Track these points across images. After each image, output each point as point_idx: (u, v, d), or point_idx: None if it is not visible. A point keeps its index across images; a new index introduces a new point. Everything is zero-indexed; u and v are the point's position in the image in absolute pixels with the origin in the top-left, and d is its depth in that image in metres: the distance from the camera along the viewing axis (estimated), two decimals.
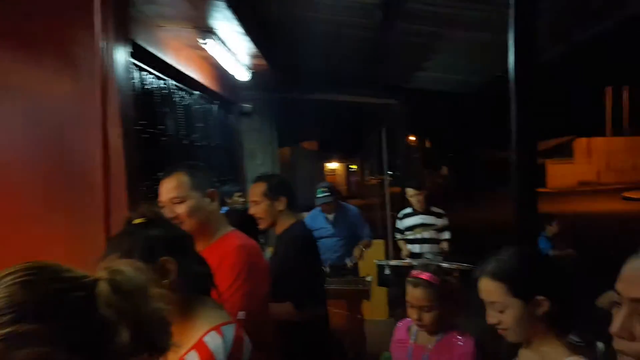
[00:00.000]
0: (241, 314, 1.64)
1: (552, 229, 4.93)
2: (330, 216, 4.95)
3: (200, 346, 1.20)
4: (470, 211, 18.76)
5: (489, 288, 1.46)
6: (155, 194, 3.65)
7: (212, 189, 1.87)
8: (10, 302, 0.66)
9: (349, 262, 4.82)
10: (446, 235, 4.97)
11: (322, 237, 4.90)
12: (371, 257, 4.98)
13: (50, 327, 0.66)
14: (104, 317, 0.70)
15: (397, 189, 9.40)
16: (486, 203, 23.15)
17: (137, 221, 1.29)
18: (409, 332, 2.18)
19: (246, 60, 5.05)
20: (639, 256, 0.91)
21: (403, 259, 4.83)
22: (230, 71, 5.10)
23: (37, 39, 2.87)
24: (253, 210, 2.59)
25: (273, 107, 7.16)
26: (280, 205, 2.56)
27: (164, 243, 1.25)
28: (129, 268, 0.78)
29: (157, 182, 3.73)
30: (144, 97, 3.63)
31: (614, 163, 34.44)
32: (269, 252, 3.28)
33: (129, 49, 3.13)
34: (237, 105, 6.70)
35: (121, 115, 2.85)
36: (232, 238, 1.85)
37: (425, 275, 2.06)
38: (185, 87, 4.61)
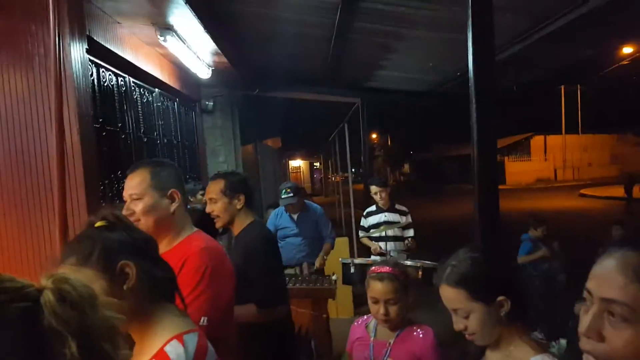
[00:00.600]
0: (204, 320, 1.58)
1: (536, 232, 4.92)
2: (295, 215, 4.96)
3: (160, 356, 1.15)
4: (431, 207, 19.17)
5: (450, 295, 1.42)
6: (114, 193, 3.62)
7: (174, 189, 1.78)
8: None
9: (306, 268, 4.79)
10: (410, 232, 5.01)
11: (287, 237, 4.92)
12: (336, 256, 4.99)
13: None
14: (50, 328, 0.66)
15: (360, 187, 9.51)
16: (446, 199, 23.72)
17: (98, 224, 1.25)
18: (367, 329, 2.19)
19: (207, 57, 5.00)
20: (611, 254, 0.88)
21: (368, 257, 4.87)
22: (191, 68, 5.04)
23: None
24: (210, 208, 2.50)
25: (235, 104, 7.11)
26: (239, 203, 2.49)
27: (123, 247, 1.21)
28: (75, 276, 0.74)
29: (116, 180, 3.71)
30: (102, 94, 3.55)
31: (570, 160, 35.58)
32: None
33: (85, 46, 3.06)
34: (198, 102, 6.63)
35: (78, 113, 2.79)
36: (196, 240, 1.78)
37: (387, 269, 2.10)
38: (144, 85, 4.53)
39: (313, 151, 34.02)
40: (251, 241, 2.46)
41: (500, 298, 1.38)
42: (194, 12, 3.50)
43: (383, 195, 4.97)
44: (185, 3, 3.29)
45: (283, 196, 4.82)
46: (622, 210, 15.07)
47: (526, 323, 1.44)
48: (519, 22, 4.06)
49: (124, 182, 3.77)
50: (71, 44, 2.82)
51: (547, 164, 36.09)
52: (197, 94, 6.45)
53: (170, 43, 3.99)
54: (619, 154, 36.58)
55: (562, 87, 35.06)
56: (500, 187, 2.31)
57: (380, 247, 4.86)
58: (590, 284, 0.88)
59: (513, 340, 1.39)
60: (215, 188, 2.49)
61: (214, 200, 2.48)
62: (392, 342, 2.08)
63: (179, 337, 1.19)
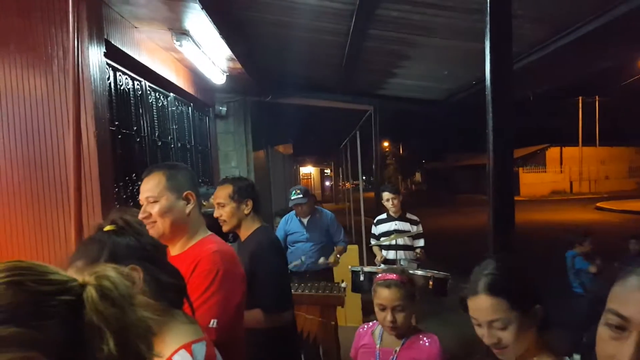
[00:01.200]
0: (213, 322, 1.59)
1: (583, 248, 4.76)
2: (305, 220, 4.96)
3: None
4: (443, 217, 19.05)
5: (488, 305, 1.35)
6: (128, 195, 3.65)
7: (189, 191, 1.80)
8: None
9: (322, 260, 4.79)
10: (421, 242, 4.98)
11: (297, 242, 4.91)
12: (346, 263, 4.97)
13: (35, 332, 0.63)
14: (91, 324, 0.67)
15: (371, 195, 9.49)
16: (459, 209, 23.56)
17: (107, 228, 1.25)
18: (373, 336, 2.19)
19: (222, 63, 5.04)
20: (635, 272, 0.80)
21: (377, 265, 4.84)
22: (206, 74, 5.08)
23: (10, 37, 2.82)
24: (218, 212, 2.52)
25: (248, 110, 7.15)
26: (247, 209, 2.51)
27: (131, 252, 1.20)
28: (115, 274, 0.75)
29: (131, 182, 3.73)
30: (118, 97, 3.59)
31: (587, 173, 35.17)
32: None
33: (103, 49, 3.10)
34: (212, 107, 6.68)
35: (95, 115, 2.83)
36: (209, 243, 1.79)
37: (394, 276, 2.11)
38: (160, 89, 4.57)
39: (324, 158, 34.04)
40: (258, 246, 2.46)
41: (537, 307, 1.35)
42: (210, 17, 3.54)
43: (395, 202, 4.95)
44: (202, 9, 3.32)
45: (292, 197, 4.84)
46: (639, 224, 14.83)
47: (547, 333, 1.40)
48: (538, 31, 4.03)
49: (138, 185, 3.81)
50: (89, 47, 2.86)
51: (563, 176, 35.66)
52: (211, 99, 6.50)
53: (186, 48, 4.02)
54: (638, 167, 36.08)
55: (580, 98, 34.74)
56: (514, 198, 2.28)
57: (386, 257, 4.86)
58: (623, 309, 0.79)
59: (537, 352, 1.35)
60: (223, 193, 2.51)
61: (222, 204, 2.50)
62: (398, 350, 2.08)
63: (187, 347, 1.18)
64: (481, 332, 1.38)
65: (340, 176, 26.39)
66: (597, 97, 35.22)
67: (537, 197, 30.87)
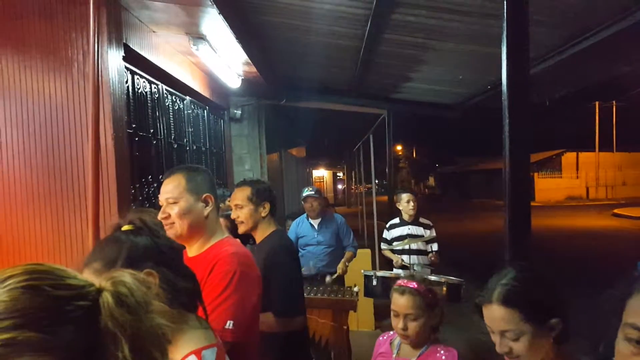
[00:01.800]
0: (229, 324, 1.60)
1: None
2: (316, 222, 4.97)
3: None
4: (457, 222, 18.92)
5: (500, 315, 1.34)
6: (144, 197, 3.70)
7: (208, 193, 1.82)
8: (12, 307, 0.63)
9: (328, 279, 4.75)
10: (434, 247, 4.96)
11: (307, 245, 4.91)
12: (358, 267, 4.96)
13: (50, 337, 0.63)
14: (106, 330, 0.67)
15: (384, 198, 9.46)
16: (472, 214, 23.37)
17: (124, 228, 1.24)
18: (391, 345, 2.17)
19: (237, 67, 5.09)
20: None
21: (391, 270, 4.82)
22: (221, 77, 5.13)
23: (32, 41, 2.89)
24: (235, 214, 2.53)
25: (262, 113, 7.20)
26: (264, 211, 2.52)
27: (148, 253, 1.19)
28: (132, 279, 0.74)
29: (147, 184, 3.78)
30: (136, 100, 3.64)
31: (604, 179, 34.63)
32: None
33: (122, 53, 3.16)
34: (227, 110, 6.73)
35: (113, 118, 2.87)
36: (226, 245, 1.80)
37: (412, 284, 2.08)
38: (176, 92, 4.63)
39: (337, 161, 34.04)
40: (272, 250, 2.47)
41: (553, 320, 1.33)
42: (227, 22, 3.57)
43: (413, 204, 4.93)
44: (219, 13, 3.36)
45: (305, 193, 4.90)
46: None
47: (568, 346, 1.38)
48: (555, 36, 4.00)
49: (154, 187, 3.86)
50: (109, 51, 2.91)
51: (579, 182, 35.14)
52: (226, 103, 6.56)
53: (203, 52, 4.07)
54: None
55: (597, 103, 34.25)
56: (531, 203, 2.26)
57: (403, 260, 4.82)
58: (638, 321, 0.77)
59: None
60: (241, 195, 2.53)
61: (240, 206, 2.51)
62: None
63: (197, 353, 1.17)
64: (495, 339, 1.38)
65: (353, 179, 26.37)
66: (614, 101, 34.71)
67: (553, 203, 30.50)
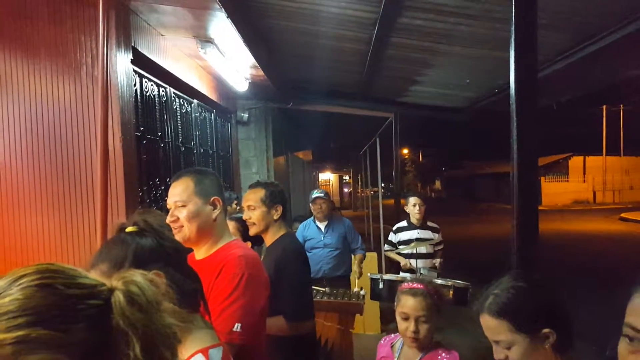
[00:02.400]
0: (237, 326, 1.60)
1: None
2: (323, 225, 4.99)
3: None
4: (463, 225, 18.83)
5: (491, 325, 1.36)
6: (152, 199, 3.72)
7: (216, 196, 1.82)
8: (25, 305, 0.64)
9: (356, 289, 4.77)
10: (440, 250, 4.96)
11: (314, 248, 4.92)
12: (364, 271, 4.96)
13: (62, 334, 0.64)
14: (118, 328, 0.68)
15: (390, 202, 9.45)
16: (479, 217, 23.27)
17: (129, 229, 1.25)
18: (392, 349, 2.17)
19: (245, 70, 5.10)
20: None
21: (397, 274, 4.81)
22: (229, 81, 5.15)
23: (41, 43, 2.92)
24: (247, 215, 2.53)
25: (269, 116, 7.22)
26: (276, 214, 2.52)
27: (154, 255, 1.20)
28: (143, 279, 0.75)
29: (154, 187, 3.80)
30: (144, 103, 3.66)
31: (611, 183, 34.40)
32: None
33: (130, 56, 3.18)
34: (234, 114, 6.76)
35: (121, 121, 2.89)
36: (234, 247, 1.81)
37: (421, 286, 2.07)
38: (184, 95, 4.65)
39: (343, 165, 33.98)
40: (282, 253, 2.46)
41: (545, 330, 1.31)
42: (235, 25, 3.59)
43: (422, 209, 4.92)
44: (227, 17, 3.38)
45: (314, 195, 4.96)
46: None
47: (572, 355, 1.36)
48: (562, 40, 3.99)
49: (161, 190, 3.88)
50: (117, 54, 2.93)
51: (586, 186, 34.91)
52: (233, 106, 6.59)
53: (210, 55, 4.09)
54: None
55: (604, 106, 34.05)
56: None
57: (410, 264, 4.80)
58: (634, 320, 0.81)
59: None
60: (254, 196, 2.52)
61: (252, 207, 2.51)
62: None
63: (204, 352, 1.19)
64: (493, 347, 1.38)
65: (359, 183, 26.34)
66: (621, 105, 34.50)
67: (559, 207, 30.32)
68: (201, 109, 5.25)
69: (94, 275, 1.11)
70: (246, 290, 1.66)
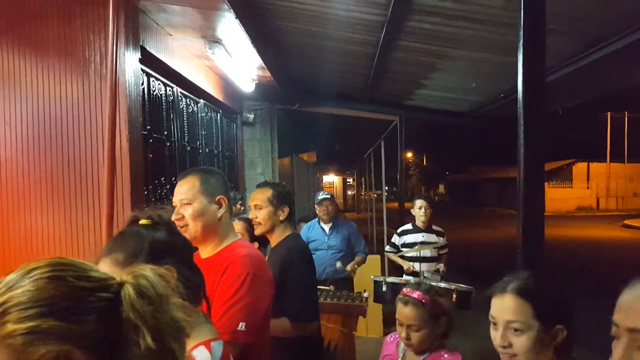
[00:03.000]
0: (242, 325, 1.60)
1: None
2: (327, 227, 4.99)
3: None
4: (467, 230, 18.79)
5: (512, 306, 1.35)
6: (157, 198, 3.73)
7: (222, 195, 1.83)
8: (37, 297, 0.65)
9: (339, 265, 4.82)
10: (444, 254, 4.95)
11: (318, 249, 4.92)
12: (368, 273, 4.95)
13: (73, 326, 0.65)
14: (128, 321, 0.69)
15: (394, 205, 9.43)
16: (482, 222, 23.21)
17: (143, 222, 1.26)
18: (397, 348, 2.16)
19: (252, 71, 5.12)
20: (635, 285, 0.87)
21: (400, 276, 4.81)
22: (235, 81, 5.17)
23: (51, 42, 2.94)
24: (254, 214, 2.52)
25: (274, 118, 7.24)
26: (283, 215, 2.52)
27: (167, 249, 1.22)
28: (152, 274, 0.76)
29: (160, 186, 3.82)
30: (151, 102, 3.68)
31: (614, 189, 34.27)
32: None
33: (138, 55, 3.19)
34: (240, 114, 6.78)
35: (129, 119, 2.91)
36: (239, 247, 1.81)
37: (416, 294, 2.05)
38: (191, 95, 4.67)
39: (347, 167, 33.99)
40: (287, 254, 2.46)
41: (558, 326, 1.32)
42: (243, 26, 3.60)
43: (427, 211, 4.91)
44: (235, 17, 3.39)
45: (321, 196, 4.98)
46: None
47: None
48: (569, 45, 3.98)
49: (167, 188, 3.89)
50: (126, 53, 2.94)
51: (590, 192, 34.79)
52: (239, 107, 6.61)
53: (218, 56, 4.11)
54: None
55: (609, 113, 33.94)
56: None
57: (414, 267, 4.79)
58: (616, 316, 0.87)
59: None
60: (262, 196, 2.52)
61: (259, 207, 2.51)
62: None
63: (206, 344, 1.21)
64: (495, 334, 1.37)
65: (363, 186, 26.32)
66: (626, 112, 34.39)
67: (563, 213, 30.19)
68: (207, 109, 5.27)
69: (106, 264, 1.14)
70: (251, 290, 1.67)
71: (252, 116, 6.88)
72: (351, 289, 4.78)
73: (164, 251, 1.20)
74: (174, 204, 1.81)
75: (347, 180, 39.04)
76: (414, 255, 4.79)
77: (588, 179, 35.24)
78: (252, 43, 4.00)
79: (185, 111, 4.50)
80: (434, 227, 5.01)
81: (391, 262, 5.25)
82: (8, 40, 2.95)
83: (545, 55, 2.04)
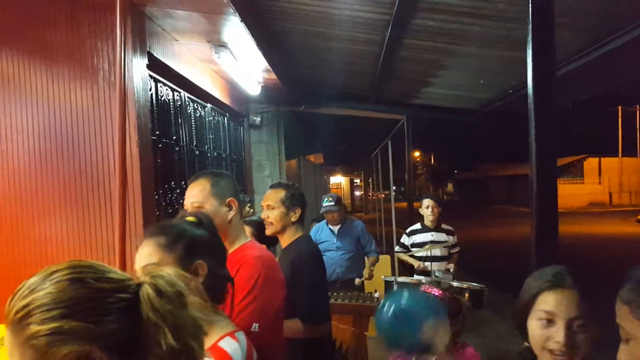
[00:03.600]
0: (255, 326, 1.61)
1: None
2: (336, 228, 4.98)
3: (215, 350, 1.20)
4: (477, 228, 18.68)
5: (575, 300, 1.23)
6: (167, 202, 3.74)
7: (232, 198, 1.85)
8: (59, 298, 0.67)
9: (357, 281, 4.83)
10: (455, 253, 4.95)
11: (327, 251, 4.91)
12: (378, 273, 4.96)
13: (94, 326, 0.66)
14: (148, 320, 0.70)
15: (403, 205, 9.41)
16: (492, 220, 23.05)
17: (188, 219, 1.38)
18: None
19: (257, 74, 5.13)
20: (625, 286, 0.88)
21: (411, 276, 4.79)
22: (242, 85, 5.18)
23: (60, 49, 2.96)
24: (265, 214, 2.54)
25: (281, 120, 7.25)
26: (294, 216, 2.53)
27: (204, 246, 1.31)
28: (170, 273, 0.78)
29: (170, 190, 3.83)
30: (159, 108, 3.70)
31: (627, 184, 33.88)
32: None
33: (146, 61, 3.21)
34: (246, 117, 6.79)
35: (138, 125, 2.92)
36: (250, 248, 1.83)
37: (435, 292, 2.03)
38: (198, 100, 4.68)
39: (354, 168, 33.95)
40: (298, 256, 2.46)
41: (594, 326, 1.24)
42: (248, 30, 3.61)
43: (435, 210, 4.89)
44: (241, 21, 3.40)
45: (325, 204, 4.91)
46: None
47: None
48: (578, 39, 3.95)
49: (177, 193, 3.90)
50: (134, 59, 2.96)
51: (602, 188, 34.45)
52: (245, 110, 6.62)
53: (224, 60, 4.12)
54: None
55: (620, 107, 33.61)
56: None
57: (424, 265, 4.77)
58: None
59: None
60: (275, 196, 2.52)
61: (272, 207, 2.51)
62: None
63: (231, 335, 1.27)
64: (550, 332, 1.22)
65: (370, 186, 26.28)
66: (637, 106, 34.02)
67: (575, 209, 29.88)
68: (214, 113, 5.29)
69: (149, 245, 1.25)
70: (263, 291, 1.68)
71: (258, 119, 6.89)
72: (362, 290, 4.77)
73: (200, 247, 1.31)
74: (185, 207, 1.82)
75: (355, 181, 38.99)
76: (425, 254, 4.77)
77: (600, 174, 34.89)
78: (257, 46, 4.00)
79: (192, 116, 4.52)
80: (444, 226, 4.98)
81: (401, 262, 5.22)
82: (18, 49, 2.97)
83: (555, 50, 2.02)
